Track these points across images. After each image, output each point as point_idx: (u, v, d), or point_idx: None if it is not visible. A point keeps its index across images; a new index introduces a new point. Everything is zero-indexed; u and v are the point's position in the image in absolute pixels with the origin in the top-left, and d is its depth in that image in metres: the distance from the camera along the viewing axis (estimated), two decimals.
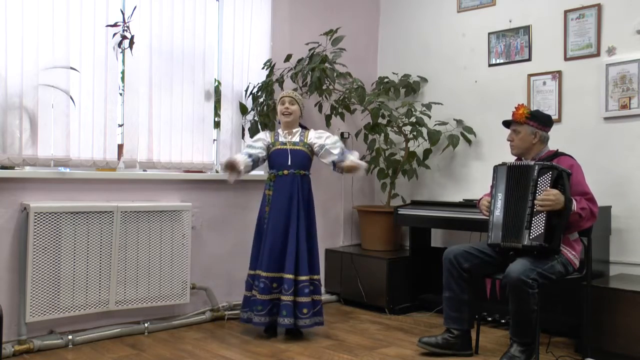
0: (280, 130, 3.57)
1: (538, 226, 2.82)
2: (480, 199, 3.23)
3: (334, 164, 3.46)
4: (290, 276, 3.33)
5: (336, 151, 3.46)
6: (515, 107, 3.14)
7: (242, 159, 3.43)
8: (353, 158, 3.43)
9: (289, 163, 3.43)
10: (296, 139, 3.51)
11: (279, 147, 3.48)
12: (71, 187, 3.32)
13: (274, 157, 3.49)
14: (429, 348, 3.08)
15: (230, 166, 3.39)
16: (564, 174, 2.85)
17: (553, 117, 3.80)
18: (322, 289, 3.55)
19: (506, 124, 3.20)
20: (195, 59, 3.81)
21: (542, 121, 3.11)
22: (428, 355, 3.10)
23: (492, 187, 3.07)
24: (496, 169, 3.07)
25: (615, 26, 3.61)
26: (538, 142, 3.10)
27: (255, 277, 3.42)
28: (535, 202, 2.83)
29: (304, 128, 3.62)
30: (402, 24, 4.82)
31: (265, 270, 3.37)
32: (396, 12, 4.87)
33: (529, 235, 2.84)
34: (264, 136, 3.57)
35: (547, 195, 2.80)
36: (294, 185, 3.42)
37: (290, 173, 3.43)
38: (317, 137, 3.52)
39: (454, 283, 3.08)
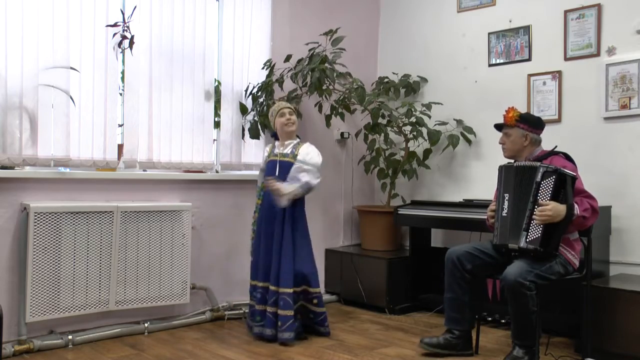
0: (277, 142, 3.56)
1: (536, 230, 2.81)
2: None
3: None
4: (273, 287, 3.32)
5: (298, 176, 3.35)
6: (506, 111, 3.13)
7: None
8: (289, 185, 3.31)
9: (276, 174, 3.39)
10: (287, 150, 3.45)
11: (272, 158, 3.49)
12: (71, 187, 3.32)
13: (267, 168, 3.50)
14: (431, 349, 3.07)
15: None
16: (568, 178, 2.81)
17: (553, 117, 3.83)
18: (322, 298, 3.48)
19: (498, 127, 3.20)
20: (195, 59, 3.81)
21: (532, 123, 3.10)
22: (428, 355, 3.10)
23: (497, 188, 3.07)
24: (501, 169, 3.06)
25: (615, 26, 3.61)
26: (529, 145, 3.08)
27: (253, 287, 3.46)
28: (535, 212, 2.81)
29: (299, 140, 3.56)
30: (402, 24, 4.82)
31: (260, 281, 3.40)
32: (396, 12, 4.87)
33: (526, 238, 2.83)
34: (265, 151, 3.61)
35: (543, 210, 2.77)
36: None
37: None
38: (302, 155, 3.39)
39: (456, 284, 3.07)
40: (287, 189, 3.30)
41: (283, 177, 3.36)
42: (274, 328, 3.28)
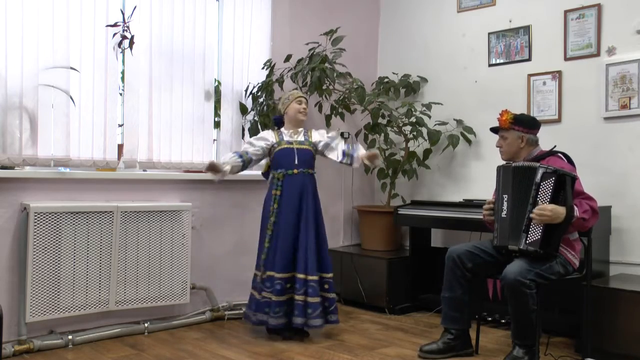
0: (284, 130, 3.55)
1: (535, 231, 2.81)
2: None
3: (344, 153, 3.52)
4: (302, 275, 3.33)
5: (342, 144, 3.56)
6: (500, 114, 3.12)
7: (229, 159, 3.43)
8: (364, 151, 3.53)
9: (297, 162, 3.41)
10: (301, 138, 3.51)
11: (285, 146, 3.46)
12: (71, 187, 3.32)
13: (280, 156, 3.45)
14: (432, 356, 3.06)
15: (212, 168, 3.35)
16: (567, 179, 2.80)
17: (553, 117, 3.83)
18: (332, 283, 3.51)
19: (494, 131, 3.19)
20: (195, 59, 3.81)
21: (528, 125, 3.09)
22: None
23: (496, 189, 3.06)
24: (500, 170, 3.05)
25: (615, 26, 3.61)
26: (526, 146, 3.08)
27: (268, 279, 3.37)
28: (532, 214, 2.81)
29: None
30: (402, 24, 4.82)
31: (280, 272, 3.34)
32: (396, 12, 4.87)
33: (526, 240, 2.83)
34: (268, 136, 3.52)
35: (543, 210, 2.76)
36: (304, 185, 3.41)
37: (300, 172, 3.42)
38: (320, 135, 3.57)
39: (457, 283, 3.07)
40: (364, 151, 3.53)
41: (303, 164, 3.43)
42: (305, 316, 3.29)
